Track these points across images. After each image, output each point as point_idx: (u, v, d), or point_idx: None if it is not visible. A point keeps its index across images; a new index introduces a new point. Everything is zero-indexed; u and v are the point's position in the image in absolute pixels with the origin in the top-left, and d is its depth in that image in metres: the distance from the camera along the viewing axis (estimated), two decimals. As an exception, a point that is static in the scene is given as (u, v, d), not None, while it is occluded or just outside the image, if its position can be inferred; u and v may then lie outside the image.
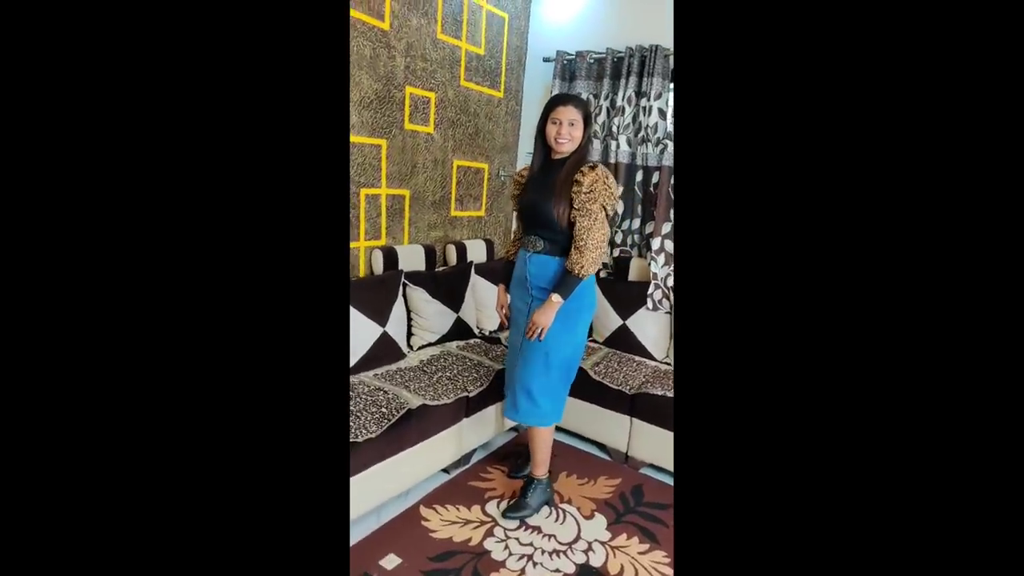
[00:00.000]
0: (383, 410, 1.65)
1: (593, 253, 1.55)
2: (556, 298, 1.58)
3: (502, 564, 1.56)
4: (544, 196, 1.60)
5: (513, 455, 2.15)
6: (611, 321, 2.49)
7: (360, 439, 1.54)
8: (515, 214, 1.84)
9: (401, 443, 1.71)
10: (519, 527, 1.72)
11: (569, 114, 1.59)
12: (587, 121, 1.62)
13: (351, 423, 1.56)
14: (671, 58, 2.42)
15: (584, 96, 2.62)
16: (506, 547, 1.63)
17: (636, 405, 2.09)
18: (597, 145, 2.64)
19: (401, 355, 2.11)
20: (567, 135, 1.59)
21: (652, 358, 2.41)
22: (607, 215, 1.59)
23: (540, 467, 1.80)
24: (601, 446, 2.24)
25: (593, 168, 1.57)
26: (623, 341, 2.46)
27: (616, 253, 2.69)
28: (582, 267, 1.55)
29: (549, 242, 1.64)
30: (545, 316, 1.60)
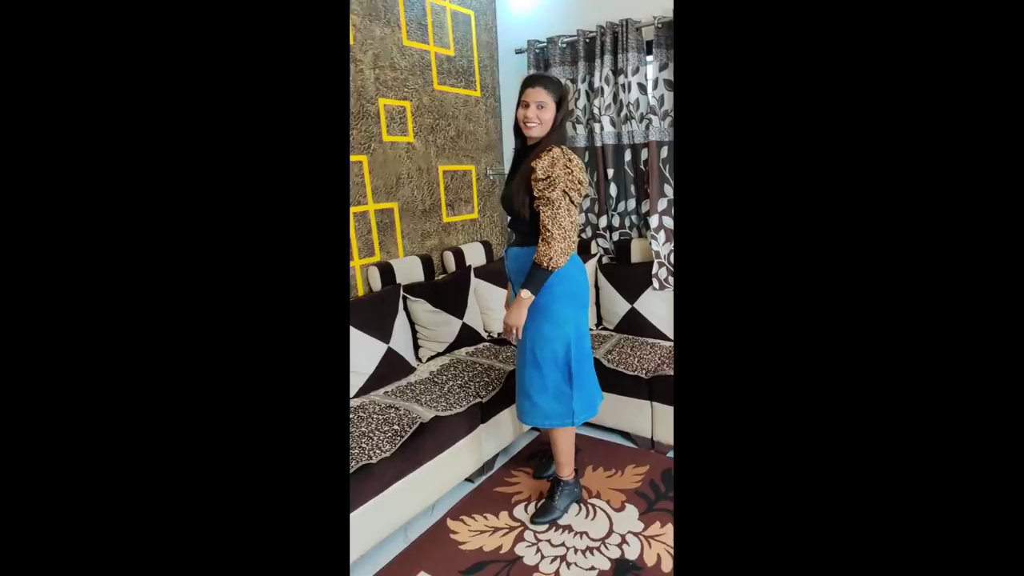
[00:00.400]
0: (395, 427, 1.63)
1: (561, 244, 1.45)
2: (525, 294, 1.50)
3: (535, 568, 1.52)
4: (513, 185, 1.54)
5: (537, 455, 2.11)
6: (619, 306, 2.44)
7: (375, 459, 1.52)
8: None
9: (418, 458, 1.68)
10: (549, 528, 1.68)
11: (537, 95, 1.50)
12: (560, 103, 1.52)
13: (364, 445, 1.53)
14: (644, 30, 2.36)
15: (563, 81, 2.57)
16: (538, 550, 1.59)
17: (655, 388, 2.03)
18: (581, 130, 2.59)
19: (410, 369, 2.08)
20: (535, 118, 1.50)
21: (666, 338, 2.35)
22: (572, 201, 1.47)
23: (563, 468, 1.74)
24: (625, 434, 2.19)
25: (549, 151, 1.46)
26: (634, 325, 2.40)
27: (616, 237, 2.63)
28: (550, 258, 1.45)
29: (520, 234, 1.59)
30: (515, 315, 1.52)
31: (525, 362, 1.64)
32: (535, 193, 1.47)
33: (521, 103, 1.53)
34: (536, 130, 1.52)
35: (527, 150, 1.58)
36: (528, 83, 1.53)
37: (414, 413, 1.72)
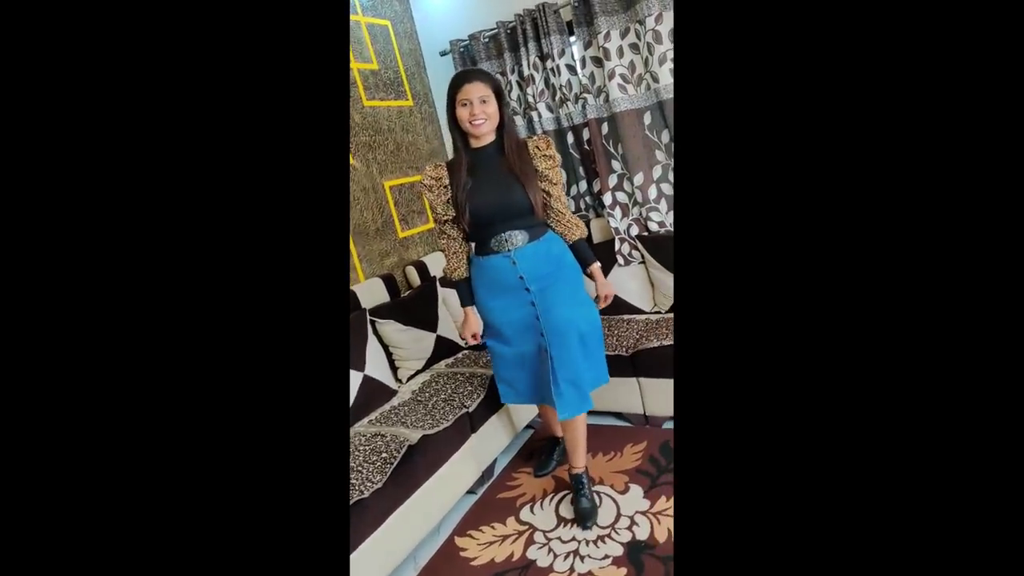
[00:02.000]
0: (383, 455, 1.58)
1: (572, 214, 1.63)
2: (598, 265, 1.65)
3: (550, 569, 1.49)
4: (506, 186, 1.46)
5: (537, 452, 2.09)
6: (588, 288, 2.42)
7: (367, 493, 1.47)
8: (449, 223, 1.60)
9: (413, 482, 1.63)
10: (558, 525, 1.66)
11: (476, 90, 1.42)
12: (499, 94, 1.46)
13: (354, 480, 1.48)
14: (562, 11, 2.34)
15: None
16: (549, 550, 1.56)
17: (638, 363, 2.03)
18: (520, 120, 2.56)
19: (391, 393, 2.03)
20: (481, 113, 1.43)
21: (640, 311, 2.34)
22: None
23: (582, 457, 1.70)
24: (617, 415, 2.18)
25: (544, 138, 1.53)
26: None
27: (574, 221, 2.63)
28: (582, 229, 1.61)
29: (529, 230, 1.51)
30: (608, 284, 1.66)
31: (568, 349, 1.52)
32: (552, 178, 1.53)
33: (459, 103, 1.44)
34: (486, 126, 1.45)
35: (486, 152, 1.50)
36: (460, 80, 1.44)
37: (401, 437, 1.67)
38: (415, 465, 1.64)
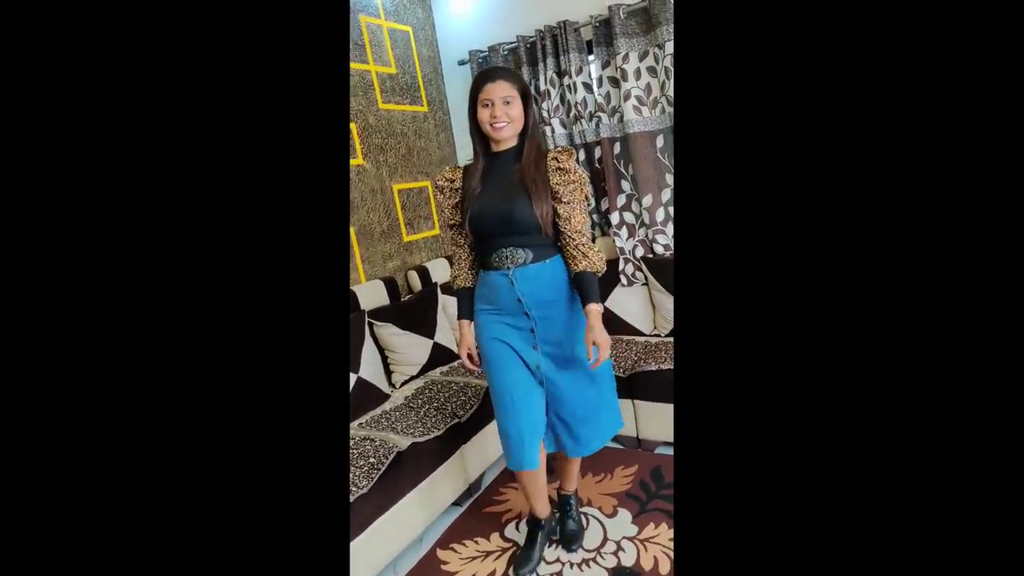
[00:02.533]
0: (371, 460, 1.55)
1: (596, 246, 1.38)
2: (598, 308, 1.33)
3: (532, 589, 1.46)
4: (512, 198, 1.31)
5: (518, 548, 2.05)
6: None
7: (352, 498, 1.44)
8: (455, 228, 1.46)
9: (399, 490, 1.61)
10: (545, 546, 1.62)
11: (500, 90, 1.28)
12: (525, 96, 1.32)
13: (339, 484, 1.46)
14: (582, 30, 2.36)
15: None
16: (532, 570, 1.53)
17: (634, 386, 2.01)
18: (533, 135, 2.57)
19: (384, 397, 2.01)
20: (504, 116, 1.29)
21: (640, 333, 2.33)
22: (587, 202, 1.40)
23: (576, 480, 1.65)
24: (611, 436, 2.15)
25: (568, 151, 1.34)
26: (607, 323, 2.35)
27: (579, 237, 2.62)
28: (591, 261, 1.35)
29: (535, 249, 1.34)
30: (604, 334, 1.32)
31: (577, 385, 1.41)
32: (563, 197, 1.32)
33: (481, 103, 1.30)
34: (507, 129, 1.31)
35: (503, 157, 1.36)
36: (485, 78, 1.31)
37: (390, 443, 1.65)
38: (402, 472, 1.62)
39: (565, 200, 1.32)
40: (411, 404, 1.92)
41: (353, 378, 1.90)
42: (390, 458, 1.58)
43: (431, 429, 1.75)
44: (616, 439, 2.12)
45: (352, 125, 2.31)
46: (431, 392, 1.98)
